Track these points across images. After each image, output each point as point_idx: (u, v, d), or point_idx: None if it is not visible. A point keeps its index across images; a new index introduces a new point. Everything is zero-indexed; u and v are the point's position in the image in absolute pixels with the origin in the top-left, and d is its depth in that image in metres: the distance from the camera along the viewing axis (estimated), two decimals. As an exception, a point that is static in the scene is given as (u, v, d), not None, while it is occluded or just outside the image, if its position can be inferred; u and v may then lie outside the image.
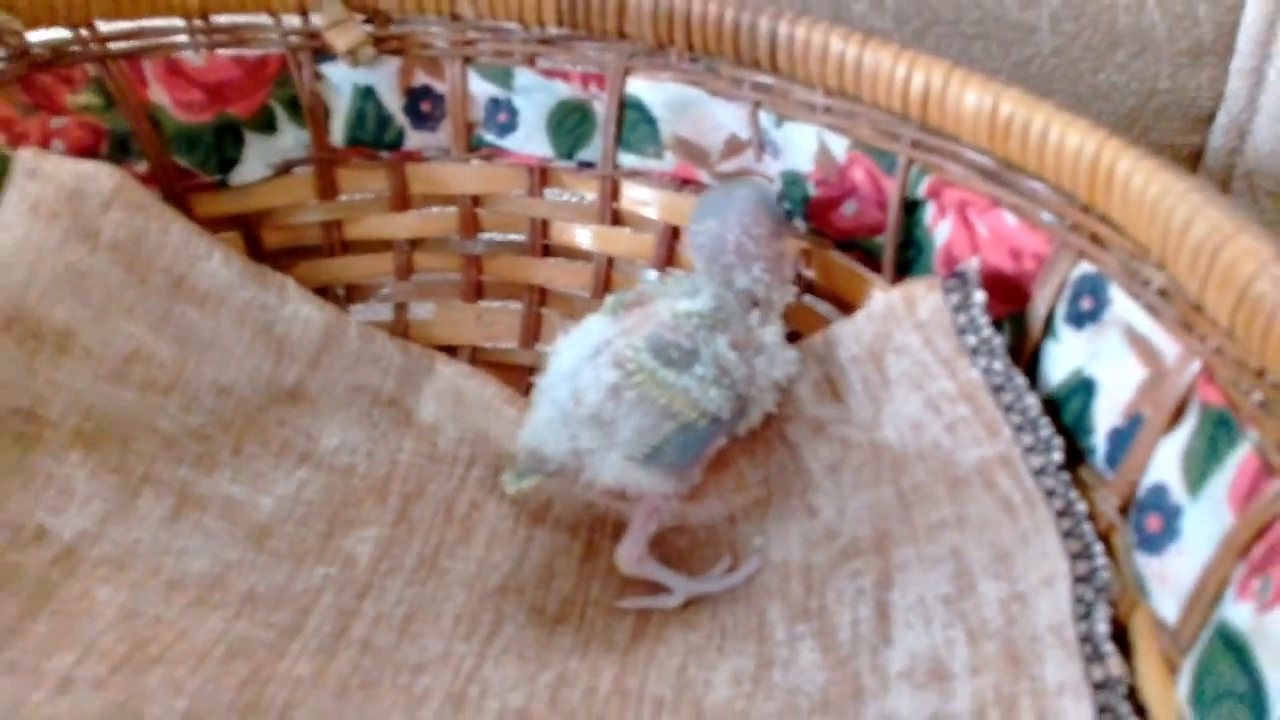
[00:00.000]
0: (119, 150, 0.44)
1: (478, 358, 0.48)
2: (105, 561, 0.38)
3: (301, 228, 0.48)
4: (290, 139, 0.47)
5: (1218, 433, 0.27)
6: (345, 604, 0.38)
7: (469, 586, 0.39)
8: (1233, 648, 0.24)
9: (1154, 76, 0.51)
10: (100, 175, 0.41)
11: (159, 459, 0.41)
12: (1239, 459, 0.26)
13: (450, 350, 0.48)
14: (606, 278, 0.47)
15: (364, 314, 0.47)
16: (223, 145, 0.46)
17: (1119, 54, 0.50)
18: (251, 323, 0.43)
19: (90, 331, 0.40)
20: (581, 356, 0.36)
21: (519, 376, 0.47)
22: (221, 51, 0.45)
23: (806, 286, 0.42)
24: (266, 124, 0.46)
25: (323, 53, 0.46)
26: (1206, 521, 0.27)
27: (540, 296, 0.49)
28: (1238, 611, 0.25)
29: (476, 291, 0.49)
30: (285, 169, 0.47)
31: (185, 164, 0.45)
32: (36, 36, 0.42)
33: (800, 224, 0.42)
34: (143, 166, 0.44)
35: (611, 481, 0.36)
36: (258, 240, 0.47)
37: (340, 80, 0.46)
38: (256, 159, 0.46)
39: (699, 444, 0.37)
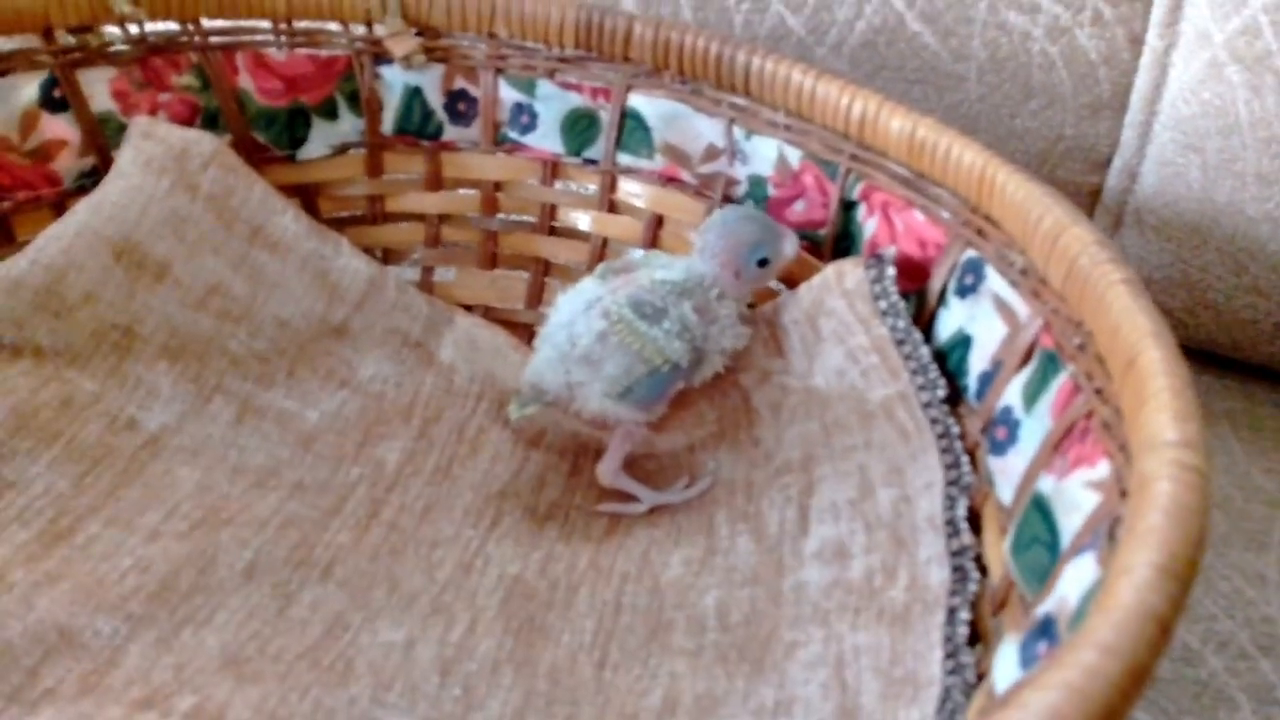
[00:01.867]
0: (209, 124, 0.52)
1: (489, 315, 0.56)
2: (183, 450, 0.46)
3: (351, 199, 0.56)
4: (348, 125, 0.55)
5: (1048, 367, 0.37)
6: (376, 495, 0.46)
7: (476, 489, 0.47)
8: (1040, 508, 0.34)
9: (1061, 124, 0.61)
10: (203, 140, 0.50)
11: (227, 374, 0.48)
12: (1059, 383, 0.36)
13: (467, 308, 0.56)
14: (601, 254, 0.56)
15: (397, 274, 0.55)
16: (294, 126, 0.54)
17: (1032, 104, 0.60)
18: (311, 269, 0.52)
19: (182, 265, 0.49)
20: (577, 309, 0.46)
21: (523, 332, 0.55)
22: (299, 50, 0.53)
23: (762, 268, 0.52)
24: (330, 112, 0.55)
25: (381, 57, 0.54)
26: (1035, 428, 0.37)
27: (544, 268, 0.57)
28: (1045, 483, 0.35)
29: (492, 261, 0.57)
30: (342, 150, 0.55)
31: (262, 139, 0.54)
32: (152, 27, 0.51)
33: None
34: (227, 139, 0.53)
35: (595, 410, 0.46)
36: (314, 207, 0.55)
37: (394, 80, 0.55)
38: (319, 140, 0.55)
39: (662, 385, 0.46)
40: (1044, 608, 0.31)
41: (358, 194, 0.57)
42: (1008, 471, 0.37)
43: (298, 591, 0.42)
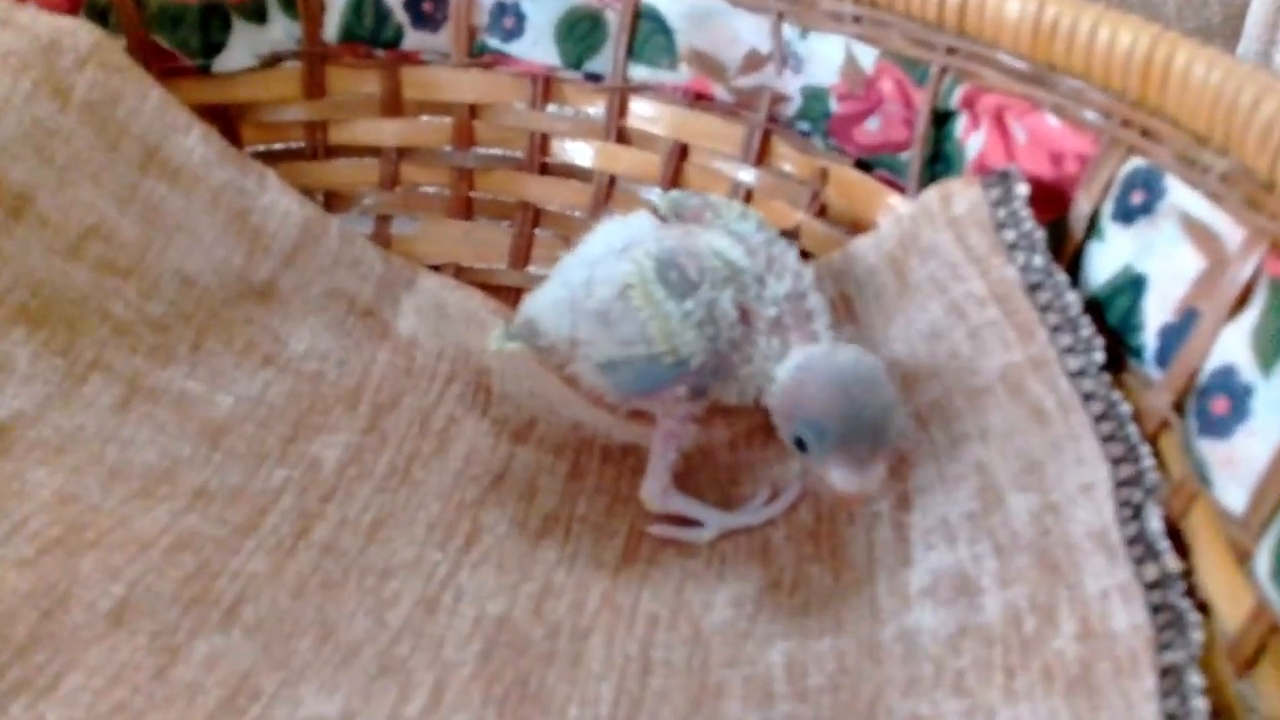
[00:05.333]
0: (96, 21, 0.41)
1: (462, 277, 0.46)
2: (42, 444, 0.35)
3: (284, 126, 0.47)
4: (280, 30, 0.45)
5: (1292, 305, 0.26)
6: (307, 506, 0.36)
7: (444, 497, 0.37)
8: (1321, 513, 0.23)
9: (1166, 54, 0.52)
10: (79, 31, 0.40)
11: (110, 345, 0.38)
12: (1320, 328, 0.25)
13: (433, 269, 0.46)
14: (606, 197, 0.46)
15: (342, 223, 0.45)
16: (208, 28, 0.44)
17: (1132, 27, 0.52)
18: (226, 208, 0.41)
19: (49, 198, 0.38)
20: (613, 245, 0.34)
21: (506, 297, 0.45)
22: (217, -73, 0.43)
23: (820, 211, 0.41)
24: (257, 11, 0.45)
25: (324, -61, 0.44)
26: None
27: (534, 216, 0.48)
28: (1327, 474, 0.23)
29: (466, 208, 0.48)
30: (273, 61, 0.46)
31: (165, 43, 0.43)
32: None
33: (821, 143, 0.41)
34: (120, 43, 0.42)
35: (592, 380, 0.34)
36: (236, 135, 0.45)
37: (341, -30, 0.45)
38: (243, 47, 0.45)
39: (654, 379, 0.33)
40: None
41: (292, 120, 0.47)
42: (1238, 460, 0.26)
43: (187, 642, 0.31)
